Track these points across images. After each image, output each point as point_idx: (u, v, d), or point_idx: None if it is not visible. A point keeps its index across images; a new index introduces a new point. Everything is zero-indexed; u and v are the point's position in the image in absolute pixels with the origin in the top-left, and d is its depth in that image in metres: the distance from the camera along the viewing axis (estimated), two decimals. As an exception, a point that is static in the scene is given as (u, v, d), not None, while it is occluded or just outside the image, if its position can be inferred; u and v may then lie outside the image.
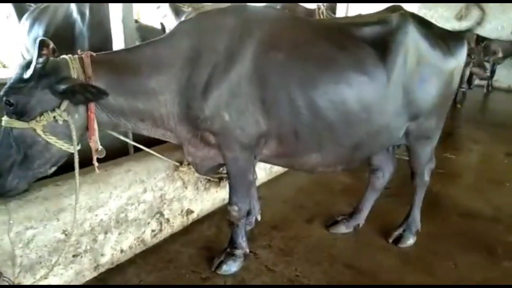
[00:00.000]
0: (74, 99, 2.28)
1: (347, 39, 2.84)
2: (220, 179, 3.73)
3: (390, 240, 3.57)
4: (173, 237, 3.50)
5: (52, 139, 2.30)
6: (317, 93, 2.69)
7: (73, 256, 2.81)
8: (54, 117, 2.26)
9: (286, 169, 4.75)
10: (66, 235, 2.72)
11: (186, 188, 3.56)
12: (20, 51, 6.00)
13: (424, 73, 2.92)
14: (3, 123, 2.28)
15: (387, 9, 3.16)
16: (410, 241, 3.55)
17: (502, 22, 10.07)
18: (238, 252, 3.13)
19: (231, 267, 3.10)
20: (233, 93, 2.59)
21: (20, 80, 2.21)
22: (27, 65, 2.21)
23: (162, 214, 3.39)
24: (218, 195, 3.99)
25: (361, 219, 3.72)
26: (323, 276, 3.11)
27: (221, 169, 3.40)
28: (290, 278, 3.08)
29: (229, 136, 2.68)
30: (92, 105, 2.39)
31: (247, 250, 3.19)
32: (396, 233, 3.59)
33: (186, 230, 3.61)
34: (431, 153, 3.38)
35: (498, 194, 4.66)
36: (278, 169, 4.77)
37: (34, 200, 2.53)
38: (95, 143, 2.52)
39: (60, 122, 2.28)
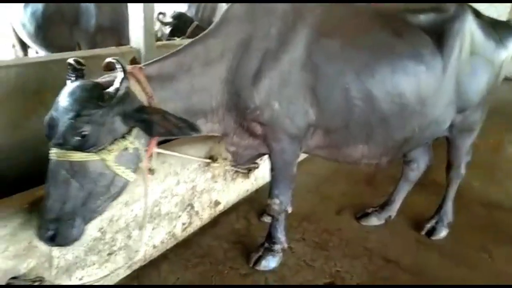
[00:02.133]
0: (153, 130, 2.02)
1: (403, 26, 2.69)
2: (249, 170, 3.56)
3: (423, 233, 3.50)
4: (202, 230, 3.32)
5: (120, 169, 1.97)
6: (373, 83, 2.55)
7: (108, 254, 2.60)
8: (125, 145, 1.98)
9: (305, 156, 4.61)
10: (102, 232, 2.52)
11: (215, 179, 3.37)
12: (12, 28, 5.57)
13: (476, 64, 2.83)
14: (57, 157, 1.86)
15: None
16: (443, 233, 3.49)
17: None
18: (277, 247, 2.99)
19: (270, 262, 2.96)
20: (284, 81, 2.44)
21: (92, 105, 1.86)
22: (95, 87, 1.92)
23: (192, 207, 3.20)
24: (243, 185, 3.81)
25: (393, 211, 3.63)
26: (364, 271, 3.02)
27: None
28: (331, 274, 2.97)
29: (277, 126, 2.53)
30: None
31: (286, 245, 3.05)
32: (429, 225, 3.52)
33: (214, 223, 3.44)
34: (470, 146, 3.30)
35: (513, 183, 4.66)
36: (297, 157, 4.61)
37: (73, 196, 2.30)
38: (149, 163, 2.30)
39: (131, 150, 2.00)
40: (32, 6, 4.82)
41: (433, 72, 2.66)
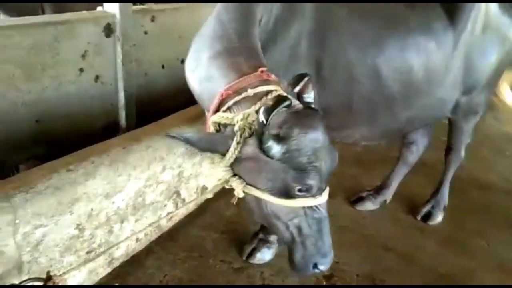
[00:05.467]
0: None
1: None
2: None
3: (419, 217, 3.37)
4: (189, 219, 3.04)
5: None
6: (381, 59, 2.33)
7: (87, 253, 2.29)
8: None
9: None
10: (79, 229, 2.20)
11: (202, 163, 3.07)
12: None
13: (488, 41, 2.64)
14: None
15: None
16: (439, 218, 3.37)
17: None
18: (273, 237, 2.75)
19: (266, 255, 2.74)
20: (293, 55, 2.18)
21: None
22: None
23: (179, 194, 2.91)
24: (230, 167, 3.53)
25: (388, 194, 3.46)
26: (365, 262, 2.85)
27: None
28: (331, 266, 2.77)
29: None
30: None
31: (281, 235, 2.83)
32: (425, 210, 3.39)
33: (202, 210, 3.16)
34: (472, 129, 3.14)
35: (504, 164, 4.58)
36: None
37: (44, 191, 1.96)
38: None
39: None
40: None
41: (443, 48, 2.47)
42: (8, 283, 1.87)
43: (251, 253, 2.73)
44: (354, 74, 2.32)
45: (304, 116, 1.57)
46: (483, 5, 2.54)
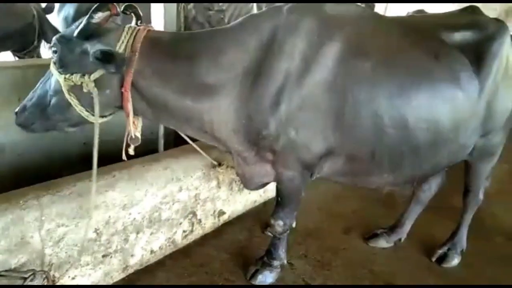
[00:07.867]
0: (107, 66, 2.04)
1: (439, 45, 2.49)
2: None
3: (434, 259, 3.34)
4: (204, 239, 3.30)
5: (73, 102, 2.13)
6: (408, 109, 2.33)
7: (103, 256, 2.62)
8: (82, 83, 2.09)
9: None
10: (97, 233, 2.54)
11: (220, 188, 3.34)
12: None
13: (507, 86, 2.66)
14: (51, 66, 2.18)
15: (464, 10, 2.85)
16: (455, 261, 3.31)
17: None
18: (276, 263, 2.92)
19: (267, 278, 2.89)
20: (305, 105, 2.21)
21: (71, 33, 2.09)
22: (89, 23, 2.02)
23: (195, 215, 3.19)
24: (250, 197, 3.77)
25: (403, 233, 3.48)
26: (365, 295, 2.90)
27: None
28: (328, 294, 2.87)
29: (291, 154, 2.35)
30: (127, 84, 2.11)
31: (285, 261, 2.98)
32: (440, 251, 3.35)
33: (217, 232, 3.41)
34: (490, 171, 3.12)
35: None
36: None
37: (68, 195, 2.34)
38: (130, 127, 2.26)
39: (85, 91, 2.10)
40: (64, 11, 5.00)
41: (469, 96, 2.48)
42: (29, 270, 2.22)
43: (254, 275, 2.90)
44: (379, 124, 2.31)
45: None
46: (505, 52, 2.58)
